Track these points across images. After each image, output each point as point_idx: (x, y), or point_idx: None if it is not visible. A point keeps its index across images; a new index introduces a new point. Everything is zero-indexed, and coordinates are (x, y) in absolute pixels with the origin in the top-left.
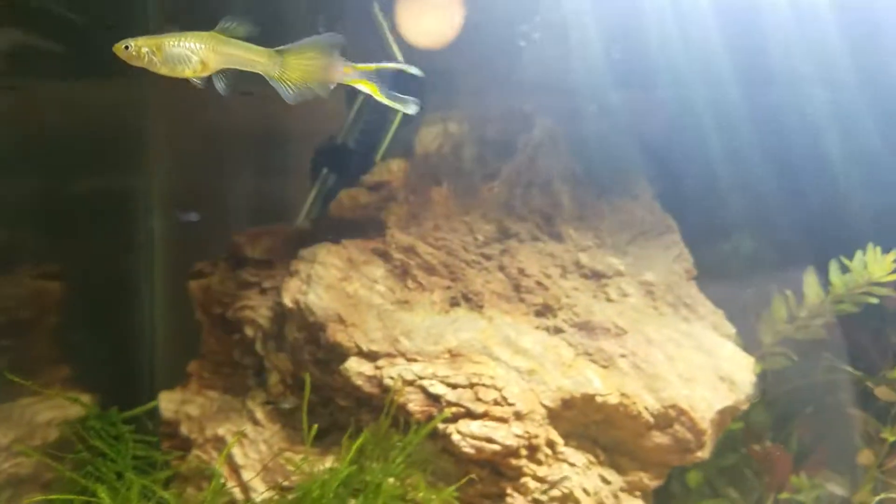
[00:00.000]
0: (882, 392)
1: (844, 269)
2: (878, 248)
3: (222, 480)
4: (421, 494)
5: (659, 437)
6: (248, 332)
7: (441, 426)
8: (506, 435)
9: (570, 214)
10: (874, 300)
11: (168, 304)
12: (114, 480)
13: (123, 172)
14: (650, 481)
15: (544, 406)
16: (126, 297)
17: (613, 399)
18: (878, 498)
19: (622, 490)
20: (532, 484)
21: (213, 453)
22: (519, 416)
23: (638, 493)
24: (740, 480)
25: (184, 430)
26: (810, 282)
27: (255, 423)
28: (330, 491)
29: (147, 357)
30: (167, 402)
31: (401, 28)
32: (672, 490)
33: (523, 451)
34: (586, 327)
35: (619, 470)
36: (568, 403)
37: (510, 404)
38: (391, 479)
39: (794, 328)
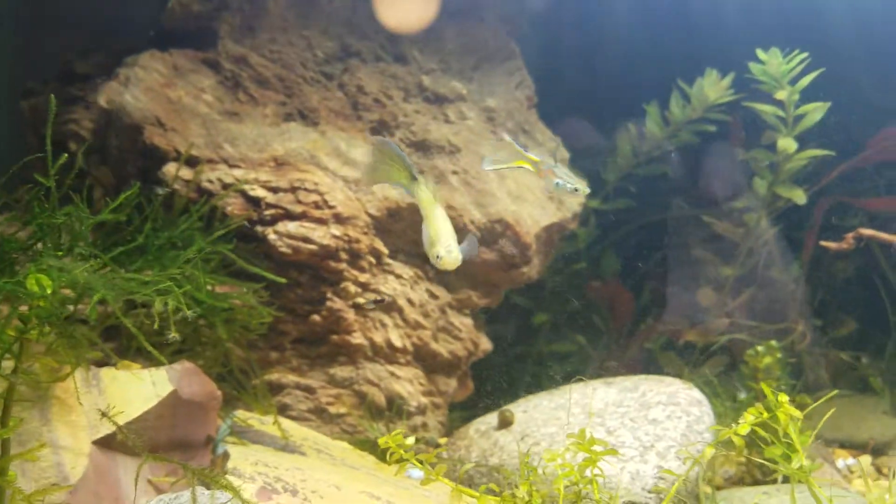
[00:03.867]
0: (723, 228)
1: (687, 99)
2: (715, 72)
3: None
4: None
5: (486, 253)
6: (72, 146)
7: (259, 228)
8: (323, 235)
9: (415, 36)
10: (712, 128)
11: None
12: None
13: None
14: (479, 300)
15: (369, 214)
16: None
17: None
18: (724, 338)
19: (451, 306)
20: (353, 288)
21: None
22: (339, 219)
23: (467, 311)
24: (588, 326)
25: None
26: (652, 113)
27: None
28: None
29: None
30: None
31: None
32: (520, 332)
33: (343, 255)
34: (422, 146)
35: (449, 288)
36: (394, 214)
37: (331, 207)
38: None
39: (636, 163)
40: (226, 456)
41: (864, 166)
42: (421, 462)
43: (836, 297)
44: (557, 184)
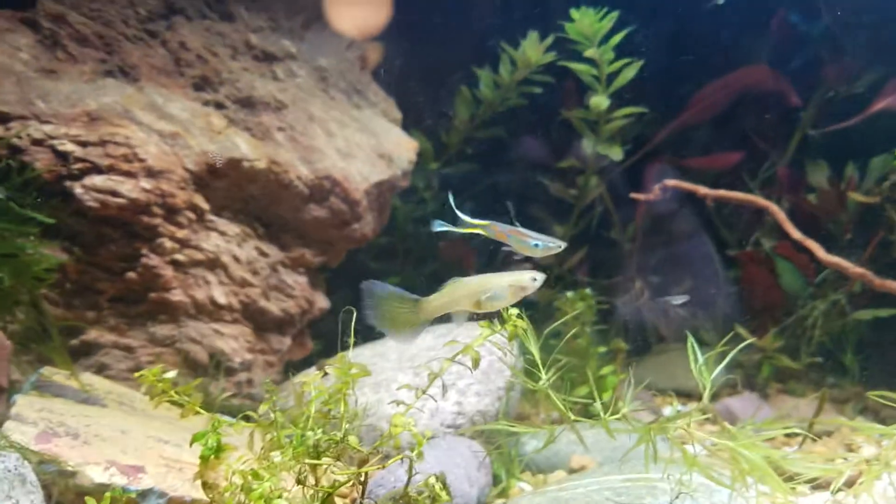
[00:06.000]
0: (556, 189)
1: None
2: (536, 34)
3: None
4: None
5: (317, 210)
6: None
7: (68, 184)
8: (132, 189)
9: None
10: (538, 89)
11: None
12: None
13: None
14: (314, 258)
15: (187, 170)
16: None
17: (261, 164)
18: (569, 293)
19: (283, 265)
20: (169, 244)
21: None
22: (151, 173)
23: (302, 269)
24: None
25: None
26: (484, 76)
27: None
28: None
29: None
30: None
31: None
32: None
33: (157, 210)
34: (248, 103)
35: (282, 246)
36: (216, 170)
37: (141, 160)
38: None
39: (474, 127)
40: (12, 404)
41: (694, 125)
42: (178, 395)
43: (672, 255)
44: (537, 245)
